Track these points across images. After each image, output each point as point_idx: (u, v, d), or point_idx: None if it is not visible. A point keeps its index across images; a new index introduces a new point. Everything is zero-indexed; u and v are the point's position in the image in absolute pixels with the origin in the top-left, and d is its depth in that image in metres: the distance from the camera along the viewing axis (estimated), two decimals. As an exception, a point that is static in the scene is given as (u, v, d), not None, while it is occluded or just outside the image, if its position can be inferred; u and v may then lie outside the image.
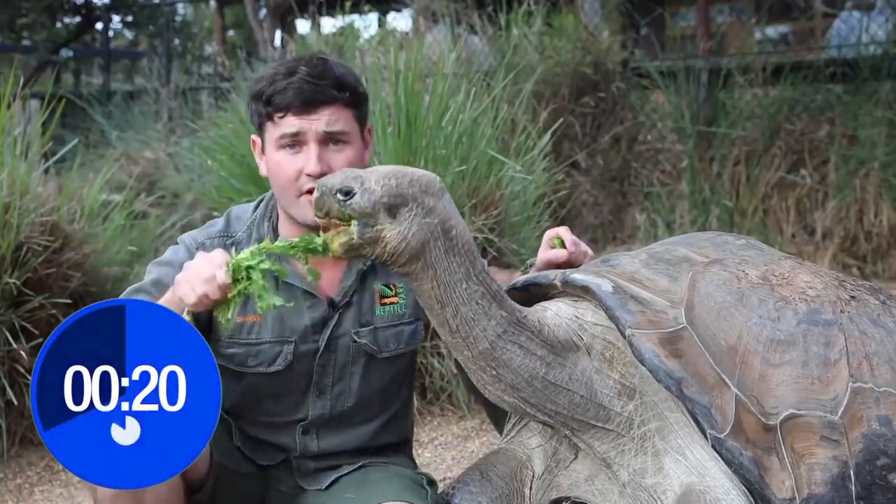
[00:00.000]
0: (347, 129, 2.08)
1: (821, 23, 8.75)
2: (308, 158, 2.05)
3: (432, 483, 2.23)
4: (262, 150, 2.15)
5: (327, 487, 2.18)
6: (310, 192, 2.02)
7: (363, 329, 2.17)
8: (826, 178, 6.24)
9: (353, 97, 2.09)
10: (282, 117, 2.06)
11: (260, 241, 2.09)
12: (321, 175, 1.99)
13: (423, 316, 2.21)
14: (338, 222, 1.77)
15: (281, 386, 2.15)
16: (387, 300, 2.20)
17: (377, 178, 1.76)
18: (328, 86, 2.05)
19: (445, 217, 1.79)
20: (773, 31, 10.07)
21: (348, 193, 1.74)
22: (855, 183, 6.03)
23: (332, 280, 2.16)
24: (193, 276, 1.82)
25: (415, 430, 3.93)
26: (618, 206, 6.98)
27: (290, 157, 2.07)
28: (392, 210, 1.75)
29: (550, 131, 4.89)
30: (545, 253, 2.19)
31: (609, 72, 6.87)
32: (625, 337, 1.86)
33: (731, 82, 6.58)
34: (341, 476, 2.19)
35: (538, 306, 1.99)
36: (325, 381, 2.16)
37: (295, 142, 2.06)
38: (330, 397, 2.17)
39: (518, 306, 1.89)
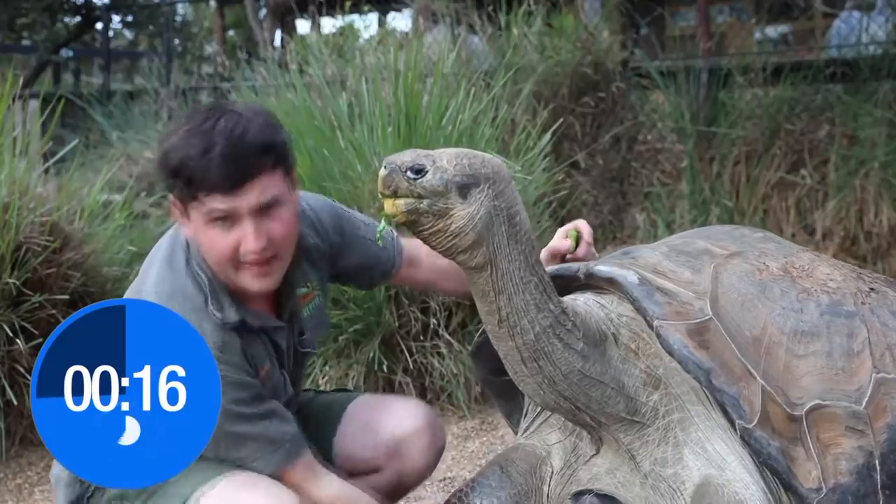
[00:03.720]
0: (278, 192, 1.89)
1: (821, 23, 8.73)
2: (245, 234, 1.86)
3: None
4: (186, 216, 1.92)
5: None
6: (251, 262, 1.88)
7: (303, 338, 2.13)
8: (826, 178, 6.22)
9: (277, 157, 1.89)
10: (207, 195, 1.84)
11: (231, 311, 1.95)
12: (264, 249, 1.87)
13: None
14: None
15: None
16: (307, 298, 2.12)
17: (449, 158, 1.72)
18: (252, 156, 1.84)
19: (512, 202, 1.76)
20: (773, 31, 10.07)
21: (419, 171, 1.69)
22: (855, 183, 6.01)
23: (269, 305, 2.05)
24: None
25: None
26: (618, 206, 6.97)
27: (223, 233, 1.87)
28: (463, 190, 1.71)
29: (550, 131, 4.89)
30: (555, 242, 2.18)
31: (609, 72, 6.86)
32: (652, 328, 1.85)
33: (731, 82, 6.57)
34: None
35: (567, 298, 1.98)
36: (290, 407, 2.14)
37: (227, 216, 1.86)
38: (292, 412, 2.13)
39: (560, 298, 1.87)
